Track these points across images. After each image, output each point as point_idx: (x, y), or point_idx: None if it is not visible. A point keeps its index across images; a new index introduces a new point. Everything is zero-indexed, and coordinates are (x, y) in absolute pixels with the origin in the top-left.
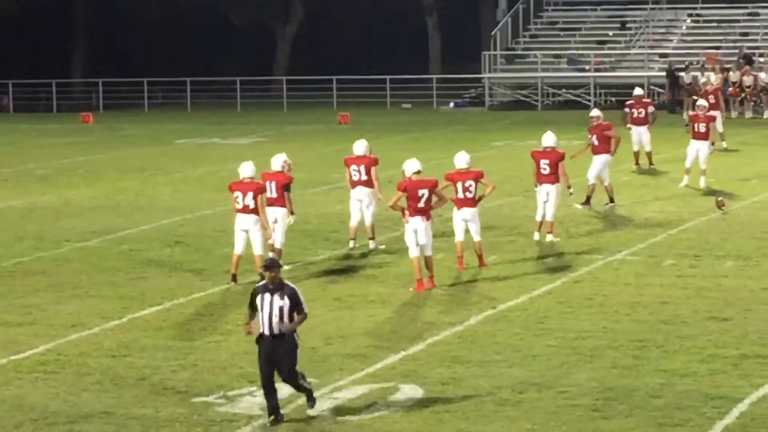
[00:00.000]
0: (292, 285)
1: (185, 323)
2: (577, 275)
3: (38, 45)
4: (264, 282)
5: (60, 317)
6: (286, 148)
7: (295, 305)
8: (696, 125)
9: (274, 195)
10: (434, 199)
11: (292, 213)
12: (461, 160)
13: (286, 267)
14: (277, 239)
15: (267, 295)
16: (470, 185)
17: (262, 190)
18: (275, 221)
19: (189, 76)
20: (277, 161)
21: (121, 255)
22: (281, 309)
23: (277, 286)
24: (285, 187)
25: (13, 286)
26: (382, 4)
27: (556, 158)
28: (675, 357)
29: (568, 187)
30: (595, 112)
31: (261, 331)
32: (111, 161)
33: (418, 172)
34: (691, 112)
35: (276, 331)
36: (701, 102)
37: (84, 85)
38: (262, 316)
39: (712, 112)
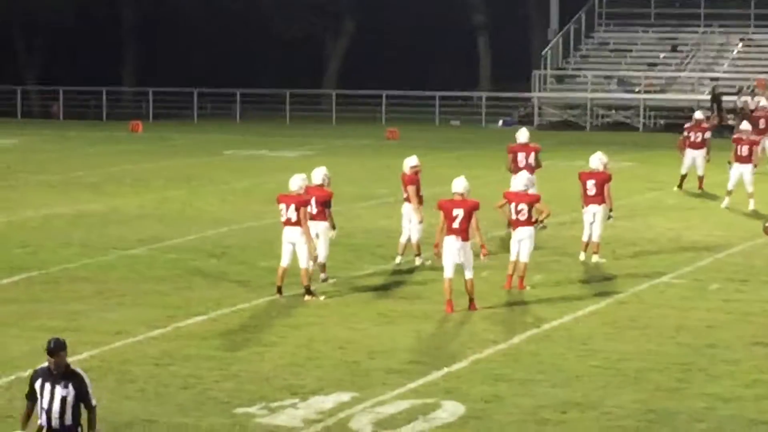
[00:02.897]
0: (80, 372)
1: (229, 333)
2: (622, 297)
3: (89, 53)
4: (45, 366)
5: (104, 324)
6: (335, 161)
7: (82, 396)
8: (739, 148)
9: (314, 210)
10: (473, 222)
11: (333, 227)
12: (455, 185)
13: (331, 280)
14: (321, 254)
15: (48, 384)
16: (522, 208)
17: (305, 203)
18: (317, 236)
19: (239, 88)
20: (318, 175)
21: (167, 264)
22: (63, 400)
23: (62, 373)
24: (325, 204)
25: (58, 292)
26: (433, 20)
27: (602, 179)
28: (719, 381)
29: (610, 210)
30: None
31: (40, 423)
32: (159, 170)
33: (461, 194)
34: (734, 135)
35: (56, 425)
36: (744, 125)
37: (134, 94)
38: (41, 407)
39: (764, 137)
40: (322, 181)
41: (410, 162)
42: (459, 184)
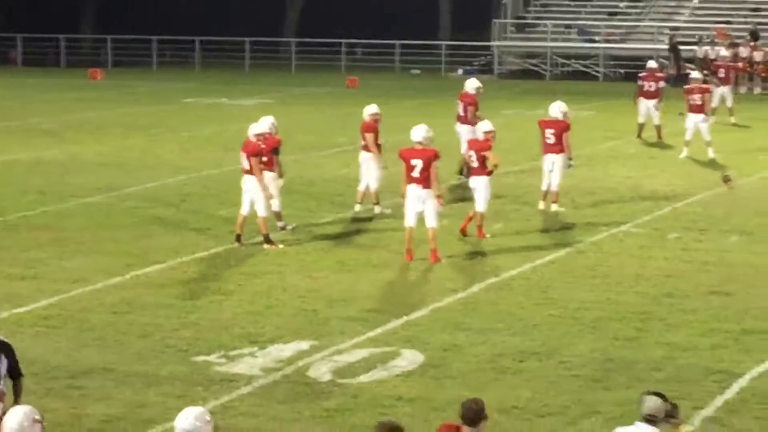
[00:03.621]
0: (8, 341)
1: (188, 282)
2: (581, 246)
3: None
4: None
5: (63, 272)
6: (294, 110)
7: (12, 366)
8: (692, 97)
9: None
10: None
11: (281, 176)
12: (414, 134)
13: (289, 227)
14: (273, 202)
15: None
16: (472, 154)
17: (256, 152)
18: None
19: (198, 35)
20: (264, 124)
21: (125, 212)
22: None
23: None
24: (273, 150)
25: (16, 239)
26: None
27: (561, 128)
28: (677, 330)
29: (569, 159)
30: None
31: None
32: (118, 118)
33: (421, 143)
34: (686, 86)
35: None
36: (695, 74)
37: (93, 41)
38: None
39: (723, 87)
40: (269, 129)
41: (369, 110)
42: (418, 133)
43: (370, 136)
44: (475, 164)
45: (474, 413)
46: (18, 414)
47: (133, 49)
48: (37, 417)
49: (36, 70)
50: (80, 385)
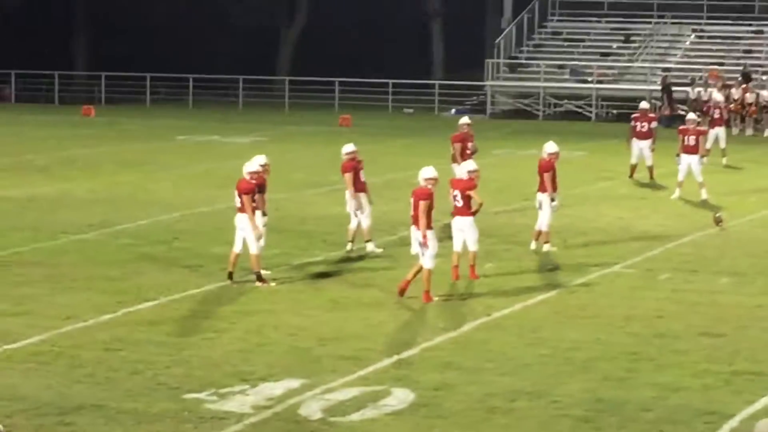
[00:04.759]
0: None
1: (180, 319)
2: (572, 286)
3: (41, 36)
4: None
5: (55, 309)
6: (287, 148)
7: None
8: (686, 138)
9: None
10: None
11: (264, 214)
12: (423, 172)
13: (265, 271)
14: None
15: None
16: (456, 194)
17: (246, 190)
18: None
19: (191, 73)
20: (257, 162)
21: (118, 249)
22: None
23: None
24: (259, 189)
25: (8, 276)
26: (387, 8)
27: (541, 167)
28: (668, 371)
29: (552, 199)
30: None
31: None
32: (111, 155)
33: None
34: (681, 126)
35: None
36: (691, 115)
37: (87, 78)
38: None
39: (717, 128)
40: (260, 168)
41: (345, 149)
42: (423, 173)
43: (348, 176)
44: (459, 204)
45: None
46: None
47: (127, 87)
48: None
49: (29, 107)
50: (71, 422)
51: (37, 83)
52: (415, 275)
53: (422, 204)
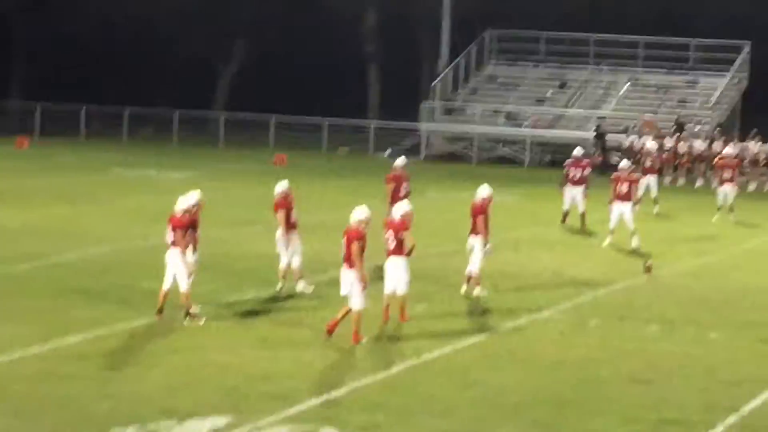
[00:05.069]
0: None
1: (108, 354)
2: (502, 330)
3: None
4: None
5: None
6: (221, 185)
7: None
8: (618, 186)
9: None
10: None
11: (195, 251)
12: (355, 213)
13: (195, 308)
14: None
15: None
16: (392, 234)
17: (179, 226)
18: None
19: (128, 105)
20: (192, 197)
21: (48, 281)
22: None
23: None
24: (191, 225)
25: None
26: (326, 48)
27: (475, 211)
28: (595, 418)
29: (484, 243)
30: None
31: None
32: (43, 187)
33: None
34: (614, 174)
35: None
36: (624, 163)
37: (21, 108)
38: None
39: (649, 176)
40: (195, 204)
41: (278, 187)
42: (355, 214)
43: (280, 215)
44: (392, 245)
45: None
46: None
47: (62, 118)
48: None
49: None
50: None
51: None
52: (344, 316)
53: (355, 244)
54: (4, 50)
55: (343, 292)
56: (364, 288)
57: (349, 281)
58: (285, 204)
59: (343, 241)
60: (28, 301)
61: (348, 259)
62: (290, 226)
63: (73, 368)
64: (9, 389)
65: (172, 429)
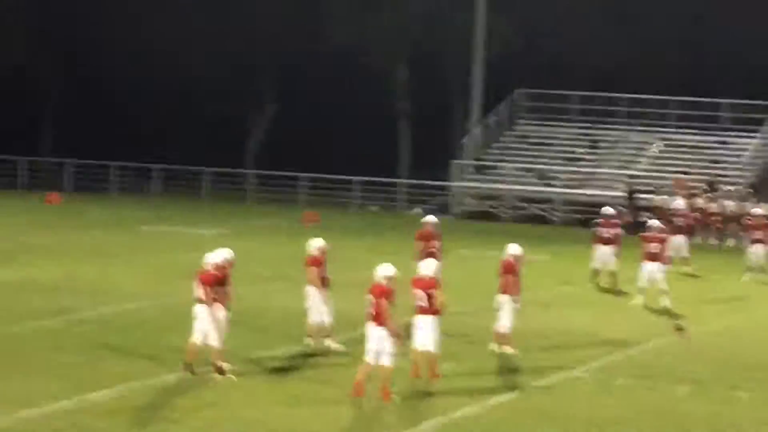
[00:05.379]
0: None
1: (137, 409)
2: (531, 388)
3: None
4: None
5: (11, 394)
6: (250, 242)
7: None
8: (649, 245)
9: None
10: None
11: (228, 309)
12: (381, 270)
13: (226, 365)
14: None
15: None
16: (421, 294)
17: (209, 282)
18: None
19: (158, 163)
20: (221, 254)
21: (77, 336)
22: None
23: None
24: (221, 282)
25: None
26: (356, 104)
27: (508, 269)
28: None
29: (514, 302)
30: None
31: None
32: (75, 243)
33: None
34: (644, 233)
35: None
36: (654, 222)
37: (51, 164)
38: None
39: (679, 236)
40: (224, 261)
41: (315, 243)
42: (381, 271)
43: (313, 270)
44: (422, 303)
45: None
46: None
47: (92, 174)
48: None
49: None
50: None
51: (1, 168)
52: (365, 375)
53: (383, 301)
54: (36, 108)
55: (372, 347)
56: (400, 344)
57: (379, 338)
58: (319, 261)
59: (369, 297)
60: (59, 355)
61: (376, 317)
62: (323, 283)
63: (103, 423)
64: None
65: None
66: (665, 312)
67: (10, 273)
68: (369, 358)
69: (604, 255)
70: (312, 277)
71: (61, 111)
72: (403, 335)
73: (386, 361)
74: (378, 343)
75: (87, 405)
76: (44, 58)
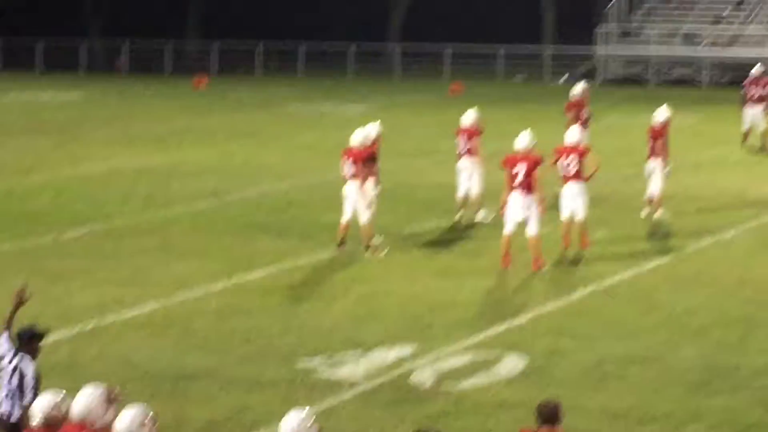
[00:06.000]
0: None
1: (291, 287)
2: (685, 253)
3: (153, 6)
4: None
5: (168, 278)
6: (396, 117)
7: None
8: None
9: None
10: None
11: (377, 183)
12: (517, 141)
13: (377, 239)
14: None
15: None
16: (572, 159)
17: (358, 158)
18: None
19: (302, 41)
20: (370, 130)
21: (229, 218)
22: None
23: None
24: (371, 158)
25: (122, 246)
26: None
27: (655, 133)
28: None
29: (665, 166)
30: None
31: None
32: (222, 125)
33: (524, 149)
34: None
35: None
36: (757, 68)
37: (198, 48)
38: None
39: None
40: (373, 136)
41: (472, 115)
42: (521, 141)
43: (475, 141)
44: (572, 170)
45: (550, 412)
46: (127, 416)
47: (238, 56)
48: (146, 420)
49: (141, 79)
50: (185, 388)
51: (149, 53)
52: (508, 245)
53: (530, 170)
54: None
55: (516, 218)
56: (543, 212)
57: (524, 206)
58: (473, 132)
59: (510, 168)
60: (212, 237)
61: (524, 185)
62: (471, 153)
63: (258, 302)
64: (195, 324)
65: (358, 359)
66: None
67: (161, 158)
68: (508, 229)
69: (754, 115)
70: (474, 147)
71: None
72: (546, 205)
73: (533, 230)
74: (524, 212)
75: (242, 286)
76: None
